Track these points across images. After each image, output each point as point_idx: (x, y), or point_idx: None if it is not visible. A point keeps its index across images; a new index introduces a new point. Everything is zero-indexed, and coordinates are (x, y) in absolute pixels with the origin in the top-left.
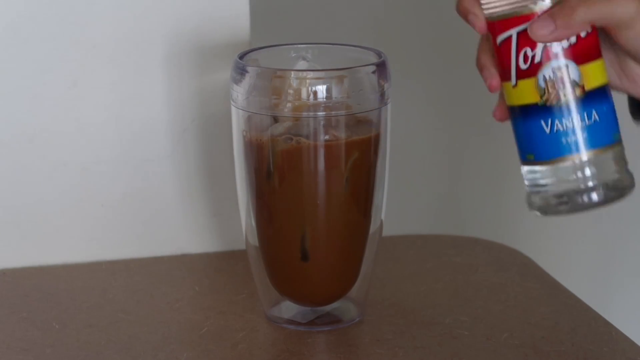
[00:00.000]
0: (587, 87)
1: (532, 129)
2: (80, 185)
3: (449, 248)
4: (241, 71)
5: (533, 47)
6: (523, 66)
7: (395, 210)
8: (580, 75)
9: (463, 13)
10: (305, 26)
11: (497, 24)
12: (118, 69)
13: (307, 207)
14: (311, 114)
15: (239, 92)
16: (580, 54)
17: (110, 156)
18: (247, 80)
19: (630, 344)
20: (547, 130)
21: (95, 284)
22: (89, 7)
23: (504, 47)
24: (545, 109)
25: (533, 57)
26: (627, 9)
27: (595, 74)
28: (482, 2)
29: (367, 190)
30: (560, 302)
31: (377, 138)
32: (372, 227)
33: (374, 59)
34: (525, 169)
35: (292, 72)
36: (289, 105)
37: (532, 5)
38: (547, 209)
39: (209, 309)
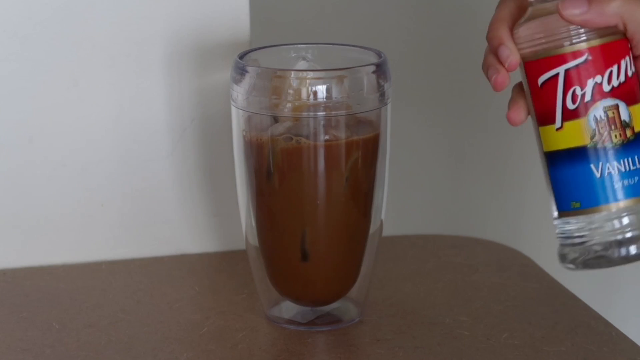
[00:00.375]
0: (638, 129)
1: (580, 174)
2: (80, 185)
3: (449, 248)
4: (241, 71)
5: (583, 85)
6: (571, 106)
7: (395, 210)
8: (631, 116)
9: (494, 44)
10: (305, 26)
11: (539, 62)
12: (118, 69)
13: (307, 207)
14: (311, 114)
15: (239, 92)
16: (629, 94)
17: (110, 156)
18: (247, 80)
19: (630, 344)
20: (598, 174)
21: (95, 284)
22: (89, 7)
23: (547, 87)
24: (596, 152)
25: (583, 95)
26: None
27: None
28: (520, 38)
29: (367, 190)
30: (560, 302)
31: (377, 138)
32: (372, 227)
33: (374, 59)
34: (562, 220)
35: (292, 72)
36: (289, 105)
37: (580, 43)
38: (585, 263)
39: (209, 309)
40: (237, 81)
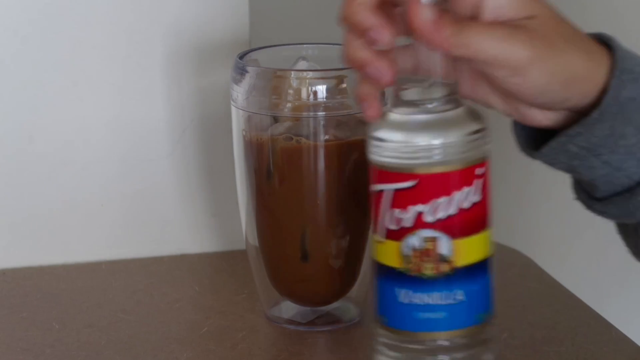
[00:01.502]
0: (457, 264)
1: (388, 292)
2: (80, 185)
3: None
4: (241, 71)
5: (406, 210)
6: (392, 227)
7: None
8: (452, 251)
9: (359, 96)
10: (305, 26)
11: (378, 171)
12: (118, 69)
13: (307, 207)
14: (311, 114)
15: (239, 92)
16: (459, 227)
17: (110, 156)
18: (247, 80)
19: (630, 344)
20: (403, 300)
21: (95, 284)
22: (89, 7)
23: (377, 198)
24: (404, 278)
25: (403, 220)
26: (521, 54)
27: (471, 249)
28: (371, 142)
29: (367, 190)
30: (560, 302)
31: None
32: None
33: None
34: (377, 329)
35: (292, 72)
36: (289, 105)
37: (419, 167)
38: None
39: (209, 309)
40: (237, 81)
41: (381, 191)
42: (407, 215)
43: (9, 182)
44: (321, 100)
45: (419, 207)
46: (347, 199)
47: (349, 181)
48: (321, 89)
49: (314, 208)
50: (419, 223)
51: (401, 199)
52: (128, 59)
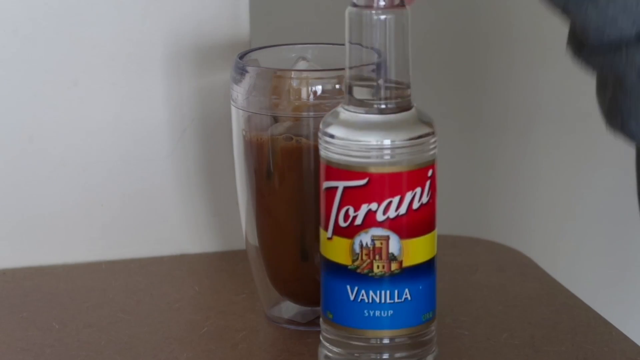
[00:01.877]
0: (406, 264)
1: (336, 289)
2: (80, 185)
3: (449, 248)
4: (241, 71)
5: (357, 208)
6: (342, 224)
7: None
8: (401, 250)
9: None
10: (305, 26)
11: (327, 167)
12: (118, 69)
13: (307, 207)
14: (311, 114)
15: (239, 92)
16: (408, 227)
17: (110, 156)
18: (247, 80)
19: (630, 344)
20: (352, 297)
21: (95, 284)
22: (89, 7)
23: (328, 195)
24: (353, 275)
25: (354, 218)
26: None
27: (419, 249)
28: (322, 137)
29: None
30: (560, 302)
31: None
32: None
33: (374, 58)
34: (322, 324)
35: (292, 72)
36: (289, 105)
37: (370, 166)
38: None
39: (209, 309)
40: (237, 81)
41: (331, 188)
42: (358, 213)
43: (9, 182)
44: (321, 100)
45: (371, 206)
46: None
47: None
48: (321, 89)
49: (314, 208)
50: (370, 221)
51: (353, 197)
52: (128, 59)
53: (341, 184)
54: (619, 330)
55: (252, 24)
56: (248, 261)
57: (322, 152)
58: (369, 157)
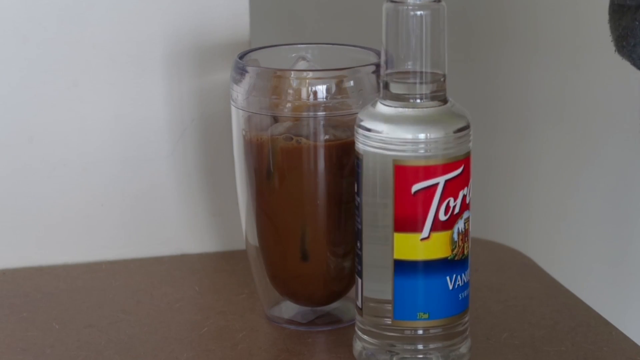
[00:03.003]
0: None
1: (435, 285)
2: (80, 185)
3: None
4: (241, 71)
5: (456, 197)
6: (443, 217)
7: None
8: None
9: None
10: (305, 26)
11: (416, 169)
12: (118, 69)
13: (307, 207)
14: (311, 114)
15: (239, 92)
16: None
17: (110, 156)
18: (247, 80)
19: (630, 344)
20: (450, 286)
21: (95, 284)
22: (89, 7)
23: (424, 195)
24: (452, 264)
25: (454, 207)
26: None
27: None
28: (421, 148)
29: None
30: (560, 302)
31: None
32: None
33: (374, 59)
34: (417, 330)
35: (292, 72)
36: (289, 105)
37: (461, 153)
38: None
39: (209, 309)
40: (237, 81)
41: (429, 187)
42: (457, 202)
43: (9, 182)
44: (321, 100)
45: (464, 191)
46: (347, 199)
47: (349, 181)
48: (321, 89)
49: (314, 208)
50: (464, 206)
51: (453, 188)
52: (128, 59)
53: (442, 179)
54: (619, 330)
55: (252, 24)
56: (248, 261)
57: (410, 160)
58: (467, 142)
